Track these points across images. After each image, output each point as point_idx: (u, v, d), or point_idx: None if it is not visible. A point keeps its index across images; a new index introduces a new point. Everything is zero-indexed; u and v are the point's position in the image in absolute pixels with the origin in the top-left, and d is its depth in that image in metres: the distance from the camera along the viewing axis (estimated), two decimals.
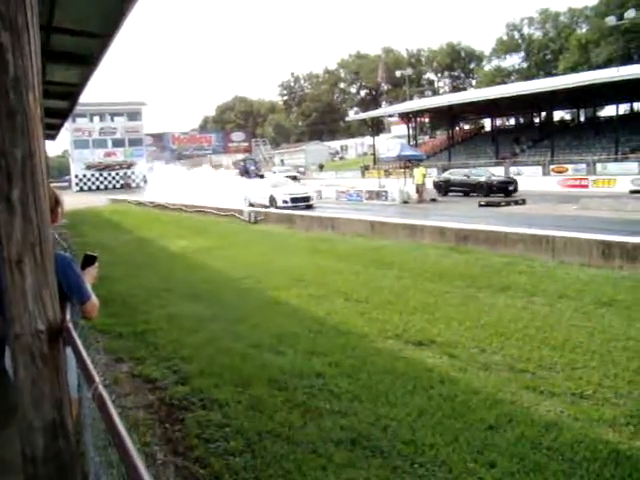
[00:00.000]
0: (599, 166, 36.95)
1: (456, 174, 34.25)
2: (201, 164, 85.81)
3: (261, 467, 4.16)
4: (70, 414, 2.51)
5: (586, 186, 32.17)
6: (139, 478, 1.33)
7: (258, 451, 4.38)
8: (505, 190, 29.99)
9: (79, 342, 2.30)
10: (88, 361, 2.12)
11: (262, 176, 56.76)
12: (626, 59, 60.54)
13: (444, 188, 33.37)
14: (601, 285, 9.12)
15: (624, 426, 4.52)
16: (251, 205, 28.96)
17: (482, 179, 31.51)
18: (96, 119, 71.76)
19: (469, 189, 31.93)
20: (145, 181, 44.97)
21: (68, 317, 2.53)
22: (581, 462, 4.00)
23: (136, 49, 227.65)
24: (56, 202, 3.24)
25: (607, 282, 9.31)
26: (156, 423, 5.08)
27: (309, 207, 28.12)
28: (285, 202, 27.84)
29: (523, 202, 26.32)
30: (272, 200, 28.31)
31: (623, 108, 51.97)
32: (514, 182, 31.29)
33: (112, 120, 72.49)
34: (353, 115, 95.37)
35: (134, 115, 73.24)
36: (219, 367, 6.19)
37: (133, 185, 67.62)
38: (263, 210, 24.95)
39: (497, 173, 34.89)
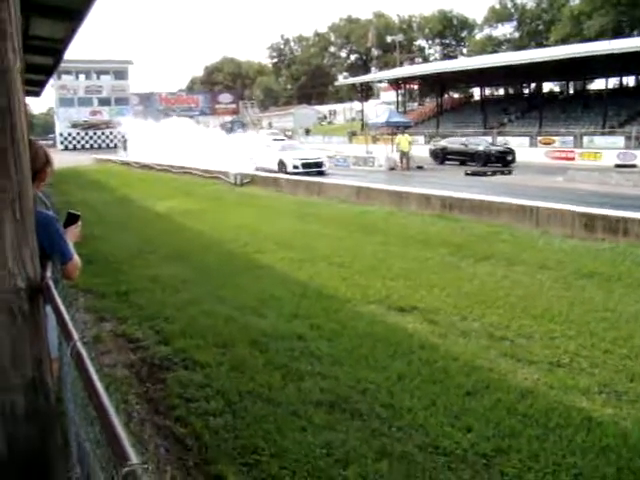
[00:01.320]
0: (586, 139, 36.96)
1: (454, 142, 33.61)
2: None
3: (241, 427, 4.20)
4: (50, 373, 2.50)
5: (572, 159, 32.23)
6: (115, 435, 1.33)
7: (238, 411, 4.43)
8: (503, 160, 29.54)
9: (59, 300, 2.28)
10: (67, 318, 2.11)
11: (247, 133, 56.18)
12: (618, 32, 60.28)
13: (441, 156, 32.93)
14: (582, 256, 9.22)
15: (597, 394, 4.62)
16: (257, 169, 26.89)
17: (480, 148, 30.90)
18: (82, 77, 70.48)
19: (467, 158, 31.24)
20: (125, 140, 44.13)
21: (49, 275, 2.51)
22: (554, 428, 4.09)
23: (124, 6, 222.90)
24: (46, 161, 3.19)
25: (588, 254, 9.41)
26: (137, 382, 5.11)
27: (321, 174, 26.12)
28: (296, 167, 26.00)
29: (509, 172, 26.41)
30: (281, 165, 26.62)
31: (612, 82, 51.89)
32: (512, 152, 30.76)
33: (98, 78, 71.20)
34: (342, 80, 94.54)
35: (121, 74, 72.01)
36: (201, 328, 6.22)
37: (119, 145, 66.80)
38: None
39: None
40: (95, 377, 1.66)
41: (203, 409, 4.50)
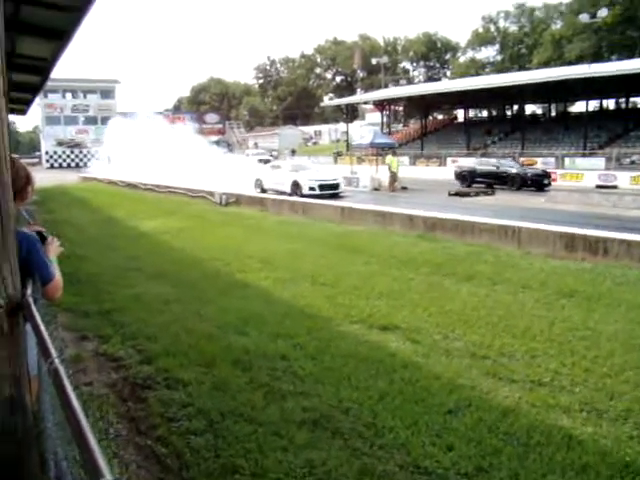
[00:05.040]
0: (567, 160, 37.48)
1: (484, 164, 31.34)
2: None
3: (222, 447, 4.18)
4: (29, 391, 2.49)
5: (554, 180, 32.54)
6: (90, 451, 1.34)
7: (220, 431, 4.41)
8: (539, 184, 27.80)
9: (38, 317, 2.28)
10: (46, 336, 2.11)
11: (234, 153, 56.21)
12: (598, 56, 61.44)
13: (469, 179, 30.56)
14: (563, 276, 9.29)
15: (578, 412, 4.65)
16: (263, 191, 25.93)
17: (514, 171, 29.01)
18: (68, 95, 70.75)
19: (497, 181, 29.18)
20: (109, 160, 43.65)
21: (29, 293, 2.51)
22: (535, 446, 4.11)
23: (112, 26, 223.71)
24: (27, 180, 3.20)
25: (569, 273, 9.49)
26: (119, 401, 5.07)
27: (335, 196, 24.40)
28: (312, 189, 24.29)
29: (492, 193, 26.62)
30: (295, 186, 24.84)
31: (593, 105, 52.77)
32: (549, 176, 29.13)
33: (85, 97, 71.48)
34: (328, 101, 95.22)
35: (107, 93, 72.22)
36: (184, 347, 6.20)
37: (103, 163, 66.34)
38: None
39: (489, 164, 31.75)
40: (72, 394, 1.66)
41: (185, 428, 4.48)
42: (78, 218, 19.22)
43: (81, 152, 68.95)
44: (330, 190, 24.74)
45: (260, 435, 4.32)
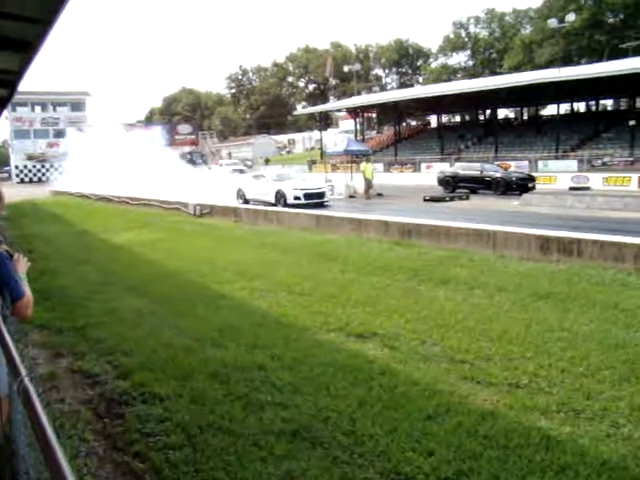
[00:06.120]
0: (540, 163, 38.00)
1: (467, 169, 30.55)
2: None
3: (201, 460, 4.15)
4: (0, 412, 2.45)
5: None
6: (59, 470, 1.31)
7: (198, 444, 4.38)
8: (524, 187, 27.06)
9: (7, 336, 2.25)
10: (15, 354, 2.08)
11: (209, 169, 56.03)
12: (567, 60, 62.38)
13: (452, 184, 30.09)
14: (539, 278, 9.37)
15: (556, 413, 4.68)
16: (246, 202, 25.53)
17: (498, 175, 28.47)
18: (38, 109, 69.97)
19: (482, 185, 28.67)
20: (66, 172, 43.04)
21: None
22: (514, 448, 4.12)
23: (82, 38, 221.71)
24: None
25: (544, 275, 9.56)
26: (95, 418, 5.01)
27: (321, 205, 24.09)
28: (297, 198, 23.77)
29: (467, 197, 26.76)
30: (279, 196, 24.17)
31: (564, 108, 53.52)
32: (533, 179, 28.66)
33: (55, 110, 70.68)
34: (301, 109, 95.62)
35: (78, 105, 71.55)
36: (161, 361, 6.14)
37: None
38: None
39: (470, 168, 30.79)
40: (42, 413, 1.63)
41: (162, 443, 4.43)
42: (50, 233, 19.00)
43: (52, 166, 68.22)
44: (315, 199, 24.33)
45: (239, 447, 4.29)
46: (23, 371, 1.93)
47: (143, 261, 13.05)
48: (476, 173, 29.31)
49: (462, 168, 31.19)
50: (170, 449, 4.34)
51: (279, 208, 21.42)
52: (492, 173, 28.80)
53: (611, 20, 70.29)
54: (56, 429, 1.54)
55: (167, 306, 8.71)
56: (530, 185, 27.58)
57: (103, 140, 40.93)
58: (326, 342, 6.72)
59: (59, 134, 69.35)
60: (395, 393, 5.13)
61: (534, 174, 33.58)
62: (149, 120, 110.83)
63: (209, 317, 7.89)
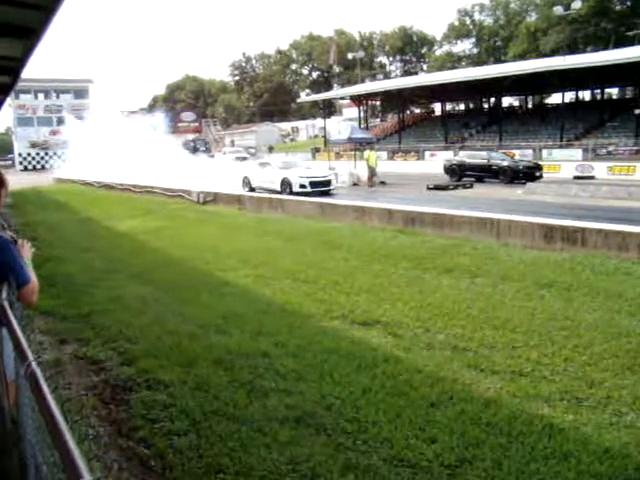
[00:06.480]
0: (545, 152, 37.79)
1: (474, 157, 30.32)
2: None
3: (205, 446, 4.17)
4: (7, 397, 2.46)
5: None
6: (68, 452, 1.32)
7: (203, 431, 4.40)
8: (531, 176, 26.56)
9: (14, 321, 2.26)
10: (22, 339, 2.09)
11: (212, 156, 55.94)
12: (573, 48, 61.95)
13: (458, 173, 29.69)
14: (542, 267, 9.36)
15: (559, 401, 4.70)
16: (252, 190, 25.32)
17: (505, 163, 28.23)
18: (41, 96, 69.80)
19: (489, 174, 28.46)
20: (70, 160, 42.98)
21: (4, 296, 2.48)
22: (517, 436, 4.15)
23: (86, 25, 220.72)
24: (0, 184, 3.16)
25: (548, 264, 9.56)
26: (100, 404, 5.03)
27: (326, 193, 23.75)
28: (303, 187, 23.55)
29: (471, 186, 26.69)
30: (285, 184, 24.07)
31: (569, 96, 53.20)
32: (540, 168, 28.18)
33: (58, 97, 70.50)
34: (305, 97, 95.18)
35: (81, 93, 71.35)
36: (165, 348, 6.17)
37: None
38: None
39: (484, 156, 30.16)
40: (49, 396, 1.64)
41: (167, 429, 4.46)
42: (54, 220, 19.03)
43: (55, 153, 68.12)
44: (321, 187, 24.10)
45: (243, 433, 4.31)
46: (30, 356, 1.95)
47: (147, 249, 13.08)
48: (483, 161, 29.05)
49: (468, 156, 30.95)
50: (175, 435, 4.36)
51: (283, 196, 21.37)
52: (499, 162, 28.57)
53: (618, 7, 69.62)
54: (63, 413, 1.56)
55: (171, 293, 8.74)
56: (537, 174, 27.24)
57: (105, 127, 40.81)
58: (330, 329, 6.74)
59: (62, 121, 69.21)
60: (398, 380, 5.15)
61: (539, 163, 33.53)
62: (152, 107, 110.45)
63: (213, 304, 7.91)
